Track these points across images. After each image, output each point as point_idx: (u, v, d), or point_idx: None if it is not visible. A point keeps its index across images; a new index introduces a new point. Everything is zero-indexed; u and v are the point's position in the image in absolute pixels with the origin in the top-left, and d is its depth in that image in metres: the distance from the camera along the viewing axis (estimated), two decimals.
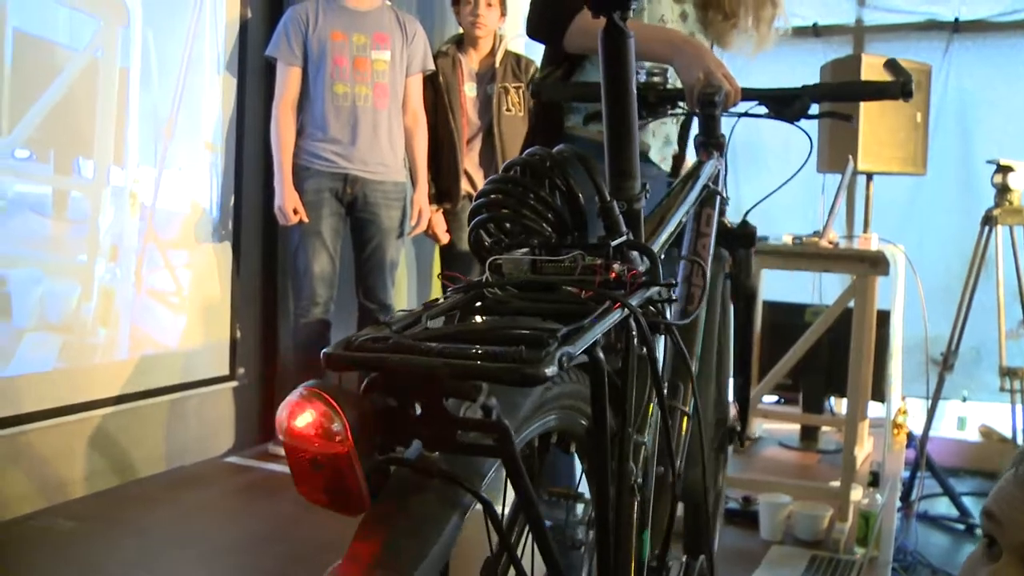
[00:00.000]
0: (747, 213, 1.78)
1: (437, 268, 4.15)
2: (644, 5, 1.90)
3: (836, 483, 3.08)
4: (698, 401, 1.31)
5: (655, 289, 0.97)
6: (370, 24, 3.44)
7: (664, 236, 1.29)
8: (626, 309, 0.87)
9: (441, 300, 0.88)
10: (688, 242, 1.54)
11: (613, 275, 0.91)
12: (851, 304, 3.19)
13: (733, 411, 1.89)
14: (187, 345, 3.49)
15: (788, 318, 3.89)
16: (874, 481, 2.86)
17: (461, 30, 3.77)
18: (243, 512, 3.16)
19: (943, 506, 3.61)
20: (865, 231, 3.72)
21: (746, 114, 1.77)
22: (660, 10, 1.92)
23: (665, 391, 1.35)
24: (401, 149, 3.55)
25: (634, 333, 0.92)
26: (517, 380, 0.68)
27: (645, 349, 0.95)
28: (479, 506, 0.74)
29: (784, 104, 1.67)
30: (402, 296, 4.09)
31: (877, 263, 3.08)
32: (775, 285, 4.08)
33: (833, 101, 1.74)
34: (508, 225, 0.97)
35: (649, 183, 1.94)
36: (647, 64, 1.73)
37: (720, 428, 1.81)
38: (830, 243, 3.15)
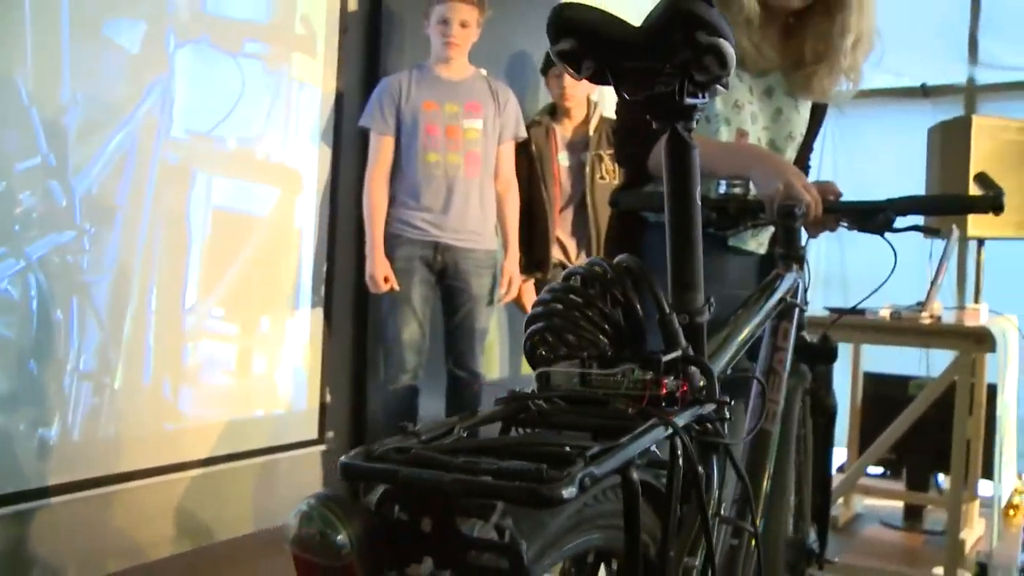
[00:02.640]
0: (831, 324, 1.72)
1: None
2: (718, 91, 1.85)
3: (939, 570, 2.92)
4: (755, 519, 1.26)
5: (709, 407, 0.93)
6: (462, 93, 3.49)
7: (731, 352, 1.25)
8: (670, 428, 0.83)
9: (481, 411, 0.86)
10: (764, 357, 1.51)
11: (664, 390, 0.88)
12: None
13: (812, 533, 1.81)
14: (278, 408, 3.55)
15: (890, 391, 3.74)
16: (982, 572, 2.69)
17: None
18: None
19: None
20: (976, 301, 3.56)
21: (825, 229, 1.73)
22: (735, 95, 1.86)
23: (731, 510, 1.30)
24: (492, 217, 3.57)
25: (679, 452, 0.88)
26: (532, 501, 0.65)
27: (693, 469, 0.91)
28: None
29: (867, 217, 1.62)
30: (493, 364, 4.09)
31: (982, 340, 2.93)
32: (877, 356, 3.92)
33: (920, 215, 1.68)
34: (565, 336, 0.95)
35: (738, 266, 1.91)
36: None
37: (797, 549, 1.74)
38: (932, 317, 3.01)
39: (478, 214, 3.49)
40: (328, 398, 3.71)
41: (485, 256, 3.54)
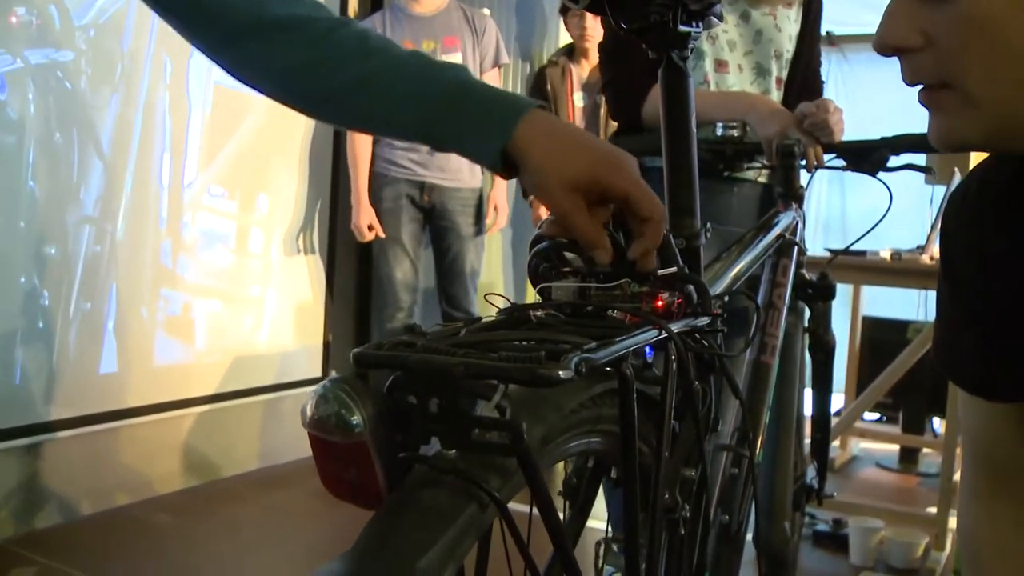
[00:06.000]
0: (829, 263, 1.74)
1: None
2: (712, 23, 1.86)
3: (933, 509, 2.97)
4: (754, 448, 1.28)
5: (704, 320, 0.96)
6: (438, 28, 3.41)
7: (726, 282, 1.27)
8: (664, 332, 0.86)
9: (484, 319, 0.88)
10: (763, 292, 1.53)
11: (660, 303, 0.91)
12: None
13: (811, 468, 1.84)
14: (282, 348, 3.59)
15: (889, 334, 3.77)
16: None
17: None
18: (331, 513, 3.20)
19: None
20: None
21: (822, 166, 1.74)
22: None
23: (731, 440, 1.33)
24: None
25: (673, 357, 0.91)
26: (530, 380, 0.68)
27: (693, 382, 0.94)
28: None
29: (862, 156, 1.64)
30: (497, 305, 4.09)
31: None
32: (877, 300, 3.95)
33: (914, 152, 1.69)
34: (565, 255, 0.98)
35: (739, 199, 1.93)
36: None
37: (796, 484, 1.76)
38: (932, 259, 3.03)
39: None
40: (331, 337, 3.75)
41: (471, 195, 3.52)
